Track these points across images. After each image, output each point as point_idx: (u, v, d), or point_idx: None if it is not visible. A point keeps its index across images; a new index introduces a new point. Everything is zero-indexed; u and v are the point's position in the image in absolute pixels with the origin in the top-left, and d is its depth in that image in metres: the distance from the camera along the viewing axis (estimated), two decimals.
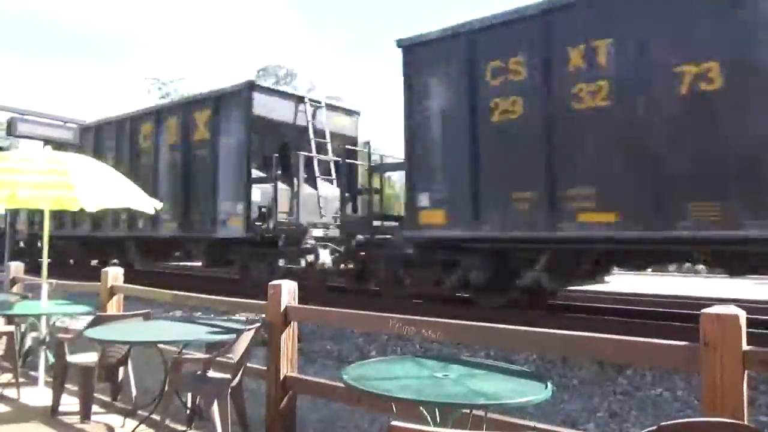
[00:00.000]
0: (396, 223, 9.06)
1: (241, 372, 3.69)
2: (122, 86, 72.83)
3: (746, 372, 2.20)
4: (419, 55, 8.05)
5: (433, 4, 70.10)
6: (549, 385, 2.38)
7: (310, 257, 9.41)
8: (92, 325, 4.17)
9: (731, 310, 2.25)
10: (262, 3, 69.64)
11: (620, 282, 10.74)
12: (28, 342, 5.41)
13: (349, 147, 10.85)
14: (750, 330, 2.31)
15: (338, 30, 70.81)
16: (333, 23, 71.39)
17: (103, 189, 4.74)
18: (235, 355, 3.58)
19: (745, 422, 2.10)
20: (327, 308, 4.08)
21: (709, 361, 2.22)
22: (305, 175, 10.07)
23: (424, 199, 7.91)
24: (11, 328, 5.08)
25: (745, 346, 2.19)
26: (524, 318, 6.55)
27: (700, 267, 14.17)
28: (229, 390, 3.58)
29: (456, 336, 4.08)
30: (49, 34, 75.49)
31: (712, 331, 2.22)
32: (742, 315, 2.23)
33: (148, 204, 5.18)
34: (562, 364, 6.03)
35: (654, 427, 1.66)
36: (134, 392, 4.31)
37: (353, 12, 69.78)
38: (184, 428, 3.85)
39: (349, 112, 12.41)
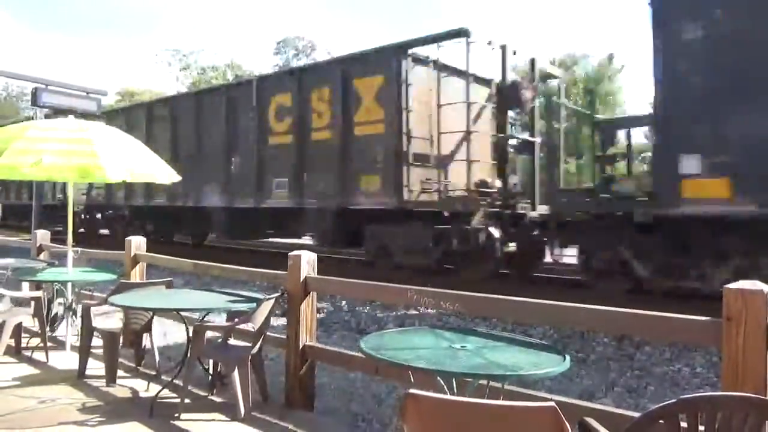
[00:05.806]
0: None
1: (261, 340, 3.76)
2: (146, 59, 73.09)
3: None
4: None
5: None
6: (567, 357, 2.37)
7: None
8: (116, 292, 4.25)
9: (756, 285, 2.21)
10: None
11: None
12: (55, 308, 5.55)
13: None
14: None
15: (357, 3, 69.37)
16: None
17: (127, 159, 4.75)
18: (256, 323, 3.64)
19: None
20: (346, 279, 4.11)
21: (732, 336, 2.19)
22: None
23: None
24: (39, 293, 5.20)
25: None
26: None
27: None
28: (250, 357, 3.65)
29: (474, 308, 4.06)
30: (76, 8, 75.70)
31: (735, 306, 2.19)
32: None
33: (168, 176, 5.19)
34: (580, 339, 6.03)
35: (674, 400, 1.65)
36: (157, 358, 4.41)
37: None
38: (205, 394, 3.94)
39: None
